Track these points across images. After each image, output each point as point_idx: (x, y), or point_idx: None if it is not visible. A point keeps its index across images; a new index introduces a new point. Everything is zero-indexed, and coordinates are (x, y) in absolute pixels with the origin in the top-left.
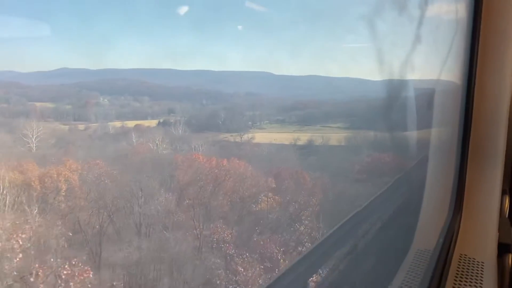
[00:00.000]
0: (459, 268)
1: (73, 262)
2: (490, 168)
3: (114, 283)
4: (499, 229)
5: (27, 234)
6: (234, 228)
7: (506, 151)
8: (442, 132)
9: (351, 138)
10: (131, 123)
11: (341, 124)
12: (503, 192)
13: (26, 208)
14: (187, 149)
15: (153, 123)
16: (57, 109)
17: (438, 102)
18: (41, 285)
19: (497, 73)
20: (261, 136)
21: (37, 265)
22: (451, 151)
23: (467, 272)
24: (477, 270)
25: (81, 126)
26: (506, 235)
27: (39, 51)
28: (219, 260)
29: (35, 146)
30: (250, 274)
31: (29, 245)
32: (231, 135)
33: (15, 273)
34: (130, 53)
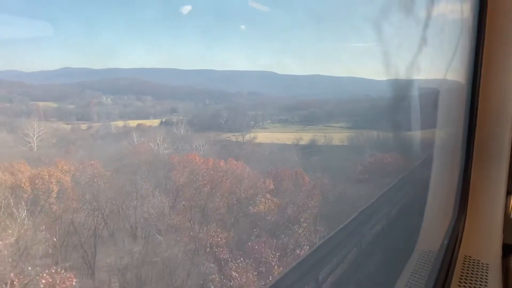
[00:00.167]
0: (463, 269)
1: (56, 269)
2: (494, 168)
3: None
4: (504, 230)
5: (10, 239)
6: (228, 231)
7: (511, 151)
8: (446, 132)
9: (353, 137)
10: (133, 123)
11: (344, 123)
12: (508, 193)
13: (14, 211)
14: (189, 149)
15: (155, 122)
16: (60, 108)
17: (443, 102)
18: None
19: (502, 73)
20: (264, 136)
21: (12, 274)
22: (455, 151)
23: (472, 273)
24: (482, 272)
25: (84, 126)
26: (511, 236)
27: (42, 51)
28: (213, 265)
29: (36, 146)
30: (244, 279)
31: (6, 251)
32: (233, 135)
33: None
34: (134, 52)
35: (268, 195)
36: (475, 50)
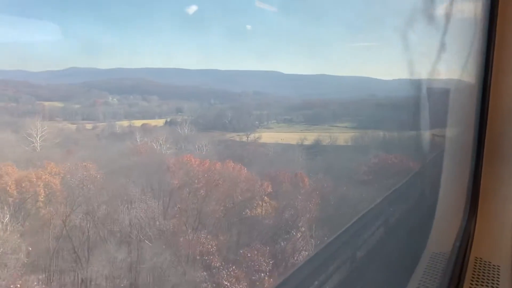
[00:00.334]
0: (474, 271)
1: (29, 279)
2: (505, 169)
3: None
4: None
5: None
6: (221, 237)
7: None
8: (457, 132)
9: (358, 138)
10: (138, 123)
11: (349, 123)
12: None
13: None
14: (192, 149)
15: (160, 122)
16: (66, 108)
17: (454, 102)
18: None
19: None
20: (268, 136)
21: None
22: (466, 151)
23: (483, 275)
24: (493, 274)
25: (89, 126)
26: None
27: (49, 51)
28: (204, 273)
29: (40, 146)
30: None
31: None
32: (238, 135)
33: None
34: (140, 52)
35: (266, 198)
36: (486, 51)
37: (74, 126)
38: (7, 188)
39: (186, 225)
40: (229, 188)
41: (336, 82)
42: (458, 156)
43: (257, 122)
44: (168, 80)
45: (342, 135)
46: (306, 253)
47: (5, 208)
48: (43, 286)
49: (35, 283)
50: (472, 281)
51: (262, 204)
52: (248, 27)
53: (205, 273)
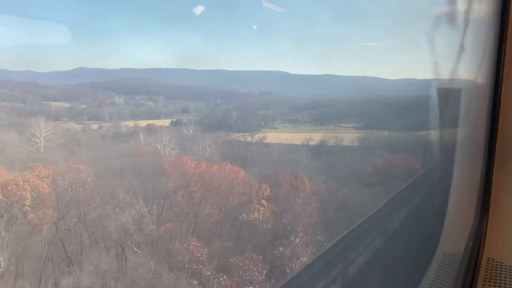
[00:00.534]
0: (487, 272)
1: None
2: None
3: None
4: None
5: None
6: (214, 243)
7: None
8: (468, 132)
9: (364, 138)
10: (143, 123)
11: (355, 124)
12: None
13: None
14: (195, 150)
15: (166, 122)
16: (72, 108)
17: (465, 102)
18: None
19: None
20: (273, 136)
21: None
22: (477, 151)
23: (496, 276)
24: (506, 274)
25: (95, 126)
26: None
27: (57, 51)
28: (195, 282)
29: (43, 146)
30: None
31: None
32: (243, 135)
33: None
34: (146, 52)
35: (264, 201)
36: (497, 51)
37: (79, 126)
38: None
39: (177, 231)
40: (225, 191)
41: (343, 81)
42: (470, 156)
43: (262, 122)
44: (175, 80)
45: (348, 136)
46: (304, 259)
47: None
48: None
49: None
50: (485, 281)
51: (259, 208)
52: (254, 27)
53: (195, 281)
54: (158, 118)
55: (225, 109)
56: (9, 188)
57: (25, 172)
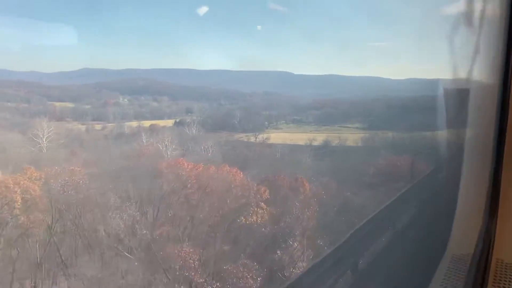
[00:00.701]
0: (496, 273)
1: None
2: None
3: None
4: None
5: None
6: (208, 249)
7: None
8: (477, 132)
9: (368, 139)
10: (147, 123)
11: (359, 124)
12: None
13: None
14: (197, 150)
15: (169, 122)
16: (76, 109)
17: (473, 102)
18: None
19: None
20: (277, 137)
21: None
22: (486, 152)
23: (505, 277)
24: None
25: (98, 126)
26: None
27: (63, 52)
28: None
29: (46, 147)
30: None
31: None
32: (246, 135)
33: None
34: (152, 53)
35: (263, 204)
36: (506, 51)
37: (83, 127)
38: None
39: (171, 235)
40: (222, 193)
41: (347, 81)
42: (478, 157)
43: (266, 123)
44: (179, 81)
45: (352, 136)
46: (303, 264)
47: None
48: None
49: None
50: (494, 283)
51: (258, 211)
52: (259, 27)
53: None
54: (161, 118)
55: (228, 109)
56: None
57: (16, 175)
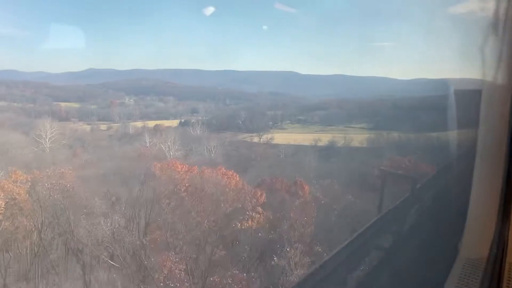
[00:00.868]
0: (510, 278)
1: None
2: None
3: None
4: None
5: None
6: (194, 258)
7: None
8: (489, 134)
9: (374, 139)
10: (152, 123)
11: (365, 124)
12: None
13: None
14: (200, 151)
15: (174, 123)
16: (82, 109)
17: (485, 103)
18: None
19: None
20: (281, 137)
21: None
22: (499, 154)
23: None
24: None
25: (103, 126)
26: None
27: (70, 53)
28: None
29: (48, 147)
30: None
31: None
32: (251, 136)
33: None
34: (157, 54)
35: (259, 208)
36: None
37: (88, 127)
38: None
39: (158, 242)
40: (217, 197)
41: (353, 81)
42: (490, 159)
43: (270, 123)
44: (185, 81)
45: (357, 137)
46: (300, 271)
47: None
48: None
49: None
50: (508, 287)
51: (254, 216)
52: (264, 27)
53: None
54: (166, 118)
55: (234, 110)
56: None
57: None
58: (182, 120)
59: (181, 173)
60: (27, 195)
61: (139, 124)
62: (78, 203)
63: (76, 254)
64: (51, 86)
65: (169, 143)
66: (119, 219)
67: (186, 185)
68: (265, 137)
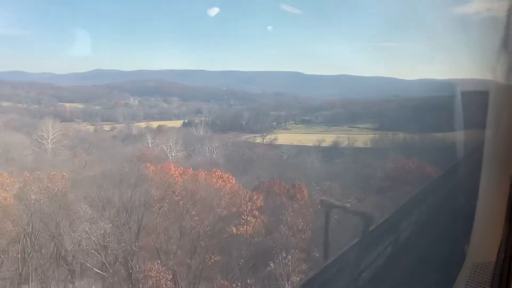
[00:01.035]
0: None
1: None
2: None
3: None
4: None
5: None
6: (182, 267)
7: None
8: (497, 134)
9: (379, 140)
10: (156, 124)
11: (370, 124)
12: None
13: None
14: (202, 151)
15: (177, 123)
16: (86, 109)
17: (493, 103)
18: None
19: None
20: (285, 138)
21: None
22: (507, 154)
23: None
24: None
25: (107, 127)
26: None
27: (76, 54)
28: None
29: (50, 148)
30: None
31: None
32: (254, 136)
33: None
34: (162, 54)
35: (256, 212)
36: None
37: (92, 128)
38: None
39: (147, 250)
40: (211, 201)
41: (358, 82)
42: (498, 161)
43: (274, 123)
44: (190, 82)
45: (362, 137)
46: (296, 279)
47: None
48: None
49: None
50: None
51: (250, 221)
52: (269, 28)
53: None
54: (170, 119)
55: (237, 110)
56: None
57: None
58: (186, 121)
59: (174, 176)
60: (15, 199)
61: (142, 124)
62: (67, 207)
63: (61, 263)
64: (56, 87)
65: (171, 143)
66: (105, 225)
67: (180, 188)
68: (269, 137)
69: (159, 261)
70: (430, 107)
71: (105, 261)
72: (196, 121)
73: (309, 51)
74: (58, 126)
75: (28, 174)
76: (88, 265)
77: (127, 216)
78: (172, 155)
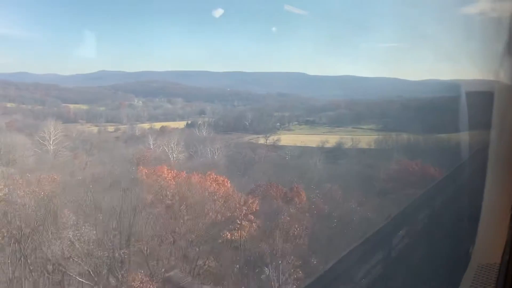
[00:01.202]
0: None
1: None
2: None
3: None
4: None
5: None
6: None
7: None
8: (502, 135)
9: (383, 141)
10: (159, 125)
11: (374, 125)
12: None
13: None
14: (204, 152)
15: (181, 124)
16: (91, 110)
17: (498, 105)
18: None
19: None
20: (288, 138)
21: None
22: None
23: None
24: None
25: (111, 128)
26: None
27: (82, 55)
28: None
29: (52, 149)
30: None
31: None
32: (257, 137)
33: None
34: (166, 55)
35: (251, 216)
36: None
37: (96, 129)
38: None
39: (133, 258)
40: (203, 206)
41: (362, 82)
42: (503, 162)
43: (278, 124)
44: (194, 83)
45: (365, 138)
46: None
47: None
48: None
49: None
50: None
51: (244, 226)
52: (274, 29)
53: None
54: (174, 120)
55: (241, 111)
56: None
57: None
58: (189, 122)
59: (167, 179)
60: (1, 203)
61: (146, 125)
62: (54, 213)
63: (46, 270)
64: (61, 88)
65: (172, 145)
66: (90, 232)
67: (173, 192)
68: (272, 138)
69: (142, 271)
70: (434, 108)
71: (91, 269)
72: (199, 122)
73: (313, 52)
74: (60, 127)
75: (18, 177)
76: (72, 273)
77: (115, 221)
78: (173, 157)
